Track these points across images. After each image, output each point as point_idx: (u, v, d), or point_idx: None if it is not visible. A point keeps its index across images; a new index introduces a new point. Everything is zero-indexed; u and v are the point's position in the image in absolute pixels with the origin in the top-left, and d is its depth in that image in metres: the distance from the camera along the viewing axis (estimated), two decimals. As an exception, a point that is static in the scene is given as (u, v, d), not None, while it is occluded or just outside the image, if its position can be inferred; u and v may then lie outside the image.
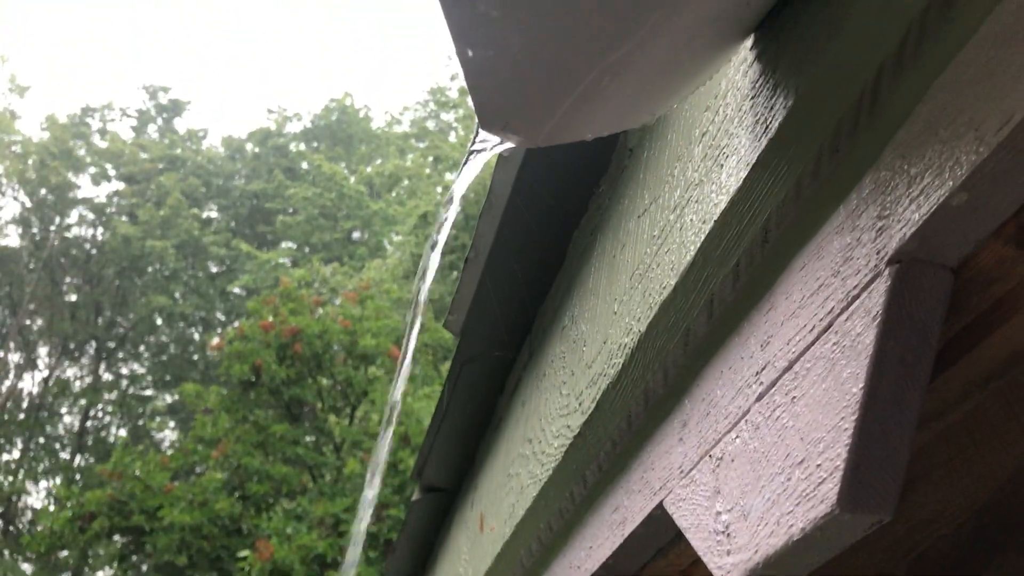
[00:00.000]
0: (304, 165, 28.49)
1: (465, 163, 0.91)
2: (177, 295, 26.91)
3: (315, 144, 29.34)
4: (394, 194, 25.41)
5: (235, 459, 13.16)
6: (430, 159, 24.92)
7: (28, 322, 26.53)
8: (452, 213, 0.97)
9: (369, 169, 26.77)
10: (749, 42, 0.89)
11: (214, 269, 27.47)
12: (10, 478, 25.69)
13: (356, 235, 25.75)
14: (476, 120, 0.85)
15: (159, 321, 27.68)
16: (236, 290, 25.52)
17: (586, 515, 1.40)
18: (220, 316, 27.23)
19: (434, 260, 1.02)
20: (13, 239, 27.25)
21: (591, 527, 1.38)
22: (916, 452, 1.11)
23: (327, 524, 12.83)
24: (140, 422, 26.40)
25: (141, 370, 28.14)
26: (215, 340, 17.91)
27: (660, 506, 1.12)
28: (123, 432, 26.48)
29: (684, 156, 1.03)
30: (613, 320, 1.20)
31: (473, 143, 0.90)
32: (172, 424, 25.92)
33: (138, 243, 25.64)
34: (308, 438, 14.21)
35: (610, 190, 1.34)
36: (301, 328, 13.28)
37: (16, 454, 26.25)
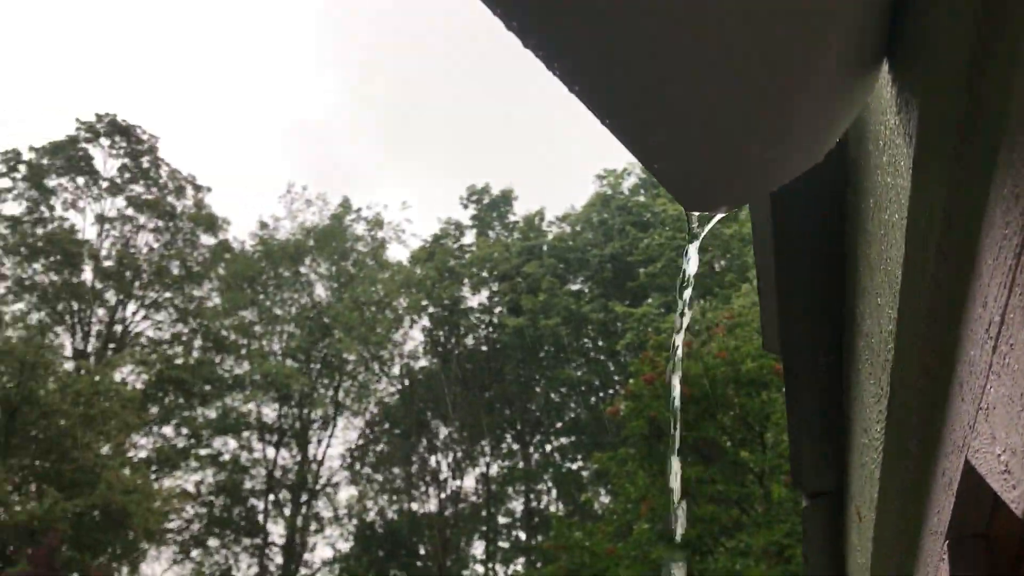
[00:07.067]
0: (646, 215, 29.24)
1: (687, 251, 1.16)
2: (575, 367, 28.63)
3: (653, 191, 30.04)
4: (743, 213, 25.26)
5: (662, 511, 13.66)
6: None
7: (455, 427, 29.51)
8: (687, 295, 1.22)
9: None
10: (885, 67, 1.06)
11: (599, 335, 28.90)
12: (479, 567, 28.43)
13: (717, 265, 25.83)
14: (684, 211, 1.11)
15: (564, 390, 29.48)
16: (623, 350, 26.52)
17: (927, 483, 1.53)
18: (616, 378, 28.47)
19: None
20: (422, 360, 30.71)
21: (933, 494, 1.50)
22: None
23: (771, 553, 12.83)
24: (573, 492, 28.10)
25: (562, 444, 30.09)
26: (610, 408, 18.87)
27: (967, 461, 1.25)
28: (560, 505, 28.30)
29: (880, 165, 1.20)
30: (880, 311, 1.36)
31: (689, 231, 1.14)
32: (603, 490, 27.26)
33: (529, 330, 27.69)
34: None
35: (854, 197, 1.50)
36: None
37: (480, 545, 29.09)
